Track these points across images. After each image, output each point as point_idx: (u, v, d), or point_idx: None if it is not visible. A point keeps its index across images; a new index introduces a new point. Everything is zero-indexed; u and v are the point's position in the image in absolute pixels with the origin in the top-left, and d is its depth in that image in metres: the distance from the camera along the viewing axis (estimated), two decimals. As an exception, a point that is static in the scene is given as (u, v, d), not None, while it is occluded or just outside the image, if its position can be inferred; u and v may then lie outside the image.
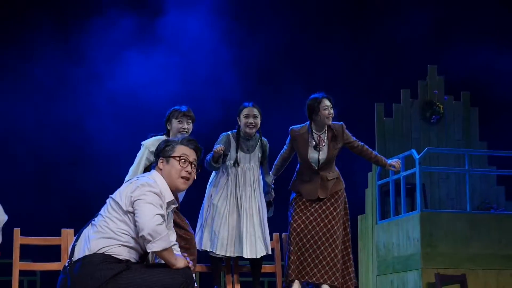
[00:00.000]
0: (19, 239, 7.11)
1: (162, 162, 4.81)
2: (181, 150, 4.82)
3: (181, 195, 6.86)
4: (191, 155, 4.83)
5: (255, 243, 7.64)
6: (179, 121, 7.01)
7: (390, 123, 11.72)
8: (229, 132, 7.80)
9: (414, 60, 12.23)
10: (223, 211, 7.70)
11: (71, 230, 7.26)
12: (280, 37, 11.65)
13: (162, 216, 4.69)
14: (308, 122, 7.88)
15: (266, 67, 11.39)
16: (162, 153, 4.84)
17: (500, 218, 9.71)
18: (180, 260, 4.69)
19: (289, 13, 11.73)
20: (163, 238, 4.57)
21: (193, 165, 4.86)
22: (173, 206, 4.95)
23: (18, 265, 7.25)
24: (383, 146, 11.37)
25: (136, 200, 4.55)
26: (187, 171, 4.78)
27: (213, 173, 7.97)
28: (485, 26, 11.91)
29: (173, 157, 4.78)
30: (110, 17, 11.10)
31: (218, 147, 7.42)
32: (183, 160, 4.78)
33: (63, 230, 7.36)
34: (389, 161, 8.10)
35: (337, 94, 10.98)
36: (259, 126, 7.71)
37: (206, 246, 7.62)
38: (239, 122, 7.70)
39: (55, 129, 10.14)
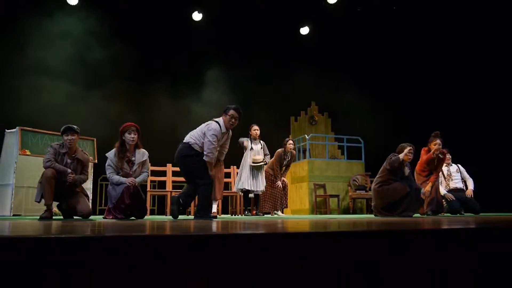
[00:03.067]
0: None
1: (224, 115, 4.86)
2: (232, 112, 4.84)
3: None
4: (235, 115, 4.84)
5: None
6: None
7: (297, 125, 11.93)
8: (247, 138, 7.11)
9: (306, 97, 12.11)
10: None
11: (170, 164, 7.35)
12: (248, 88, 11.27)
13: (215, 147, 4.76)
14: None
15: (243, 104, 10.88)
16: (224, 112, 4.85)
17: (338, 162, 9.79)
18: (212, 170, 4.82)
19: (249, 74, 11.29)
20: (210, 156, 4.72)
21: (235, 119, 4.86)
22: (226, 134, 4.93)
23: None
24: (294, 135, 11.37)
25: (206, 134, 4.74)
26: (233, 121, 4.84)
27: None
28: (338, 77, 11.65)
29: (228, 114, 4.84)
30: (186, 84, 10.97)
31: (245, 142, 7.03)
32: (231, 116, 4.83)
33: (168, 164, 7.48)
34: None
35: (275, 113, 11.18)
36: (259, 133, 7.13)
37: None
38: (250, 132, 7.14)
39: (157, 129, 9.85)
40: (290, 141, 7.47)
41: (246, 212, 7.15)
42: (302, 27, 11.74)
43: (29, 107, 8.80)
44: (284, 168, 7.48)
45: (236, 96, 10.64)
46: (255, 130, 7.18)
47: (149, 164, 4.95)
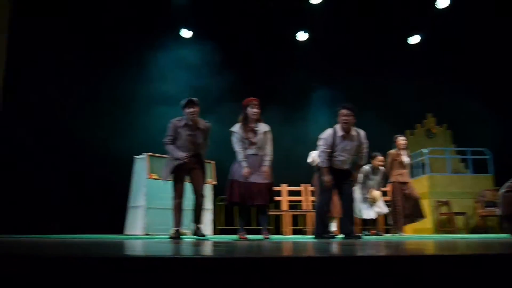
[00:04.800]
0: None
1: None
2: (340, 111, 4.84)
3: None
4: (344, 112, 4.79)
5: None
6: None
7: (412, 139, 11.43)
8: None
9: (421, 109, 11.73)
10: None
11: (285, 184, 7.38)
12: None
13: (323, 151, 4.73)
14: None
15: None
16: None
17: (462, 177, 9.27)
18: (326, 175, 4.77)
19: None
20: (320, 159, 4.83)
21: (345, 116, 4.74)
22: (348, 135, 4.81)
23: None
24: (410, 150, 11.00)
25: None
26: (343, 119, 4.75)
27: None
28: (457, 84, 10.95)
29: (339, 114, 4.83)
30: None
31: None
32: (341, 114, 4.79)
33: (282, 184, 7.57)
34: None
35: (388, 127, 10.78)
36: None
37: None
38: (372, 162, 7.01)
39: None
40: (401, 137, 7.08)
41: (366, 232, 7.00)
42: (411, 36, 11.36)
43: (153, 134, 9.62)
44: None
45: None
46: (379, 161, 6.97)
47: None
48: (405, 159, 6.98)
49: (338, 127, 4.83)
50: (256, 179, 4.60)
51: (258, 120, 4.80)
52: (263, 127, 4.79)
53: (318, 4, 10.11)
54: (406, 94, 11.19)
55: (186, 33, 10.75)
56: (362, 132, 4.96)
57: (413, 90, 11.15)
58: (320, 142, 4.82)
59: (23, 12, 6.99)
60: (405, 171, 6.93)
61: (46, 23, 8.00)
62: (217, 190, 7.87)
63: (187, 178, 5.00)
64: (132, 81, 10.02)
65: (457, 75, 11.02)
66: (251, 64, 10.70)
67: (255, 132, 4.73)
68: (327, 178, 4.75)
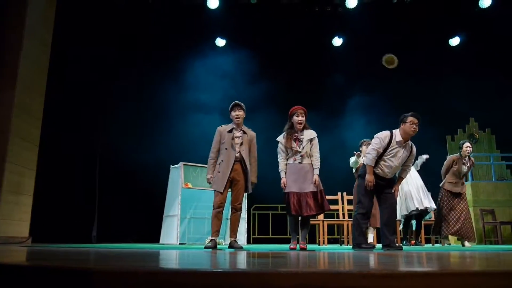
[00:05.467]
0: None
1: (402, 124, 4.67)
2: (410, 118, 4.66)
3: None
4: (414, 120, 4.66)
5: None
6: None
7: (454, 145, 11.10)
8: None
9: (463, 113, 11.26)
10: None
11: None
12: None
13: (374, 149, 4.62)
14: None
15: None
16: (402, 121, 4.70)
17: (508, 184, 8.90)
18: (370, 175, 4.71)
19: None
20: (368, 157, 4.70)
21: (416, 125, 4.62)
22: (403, 146, 4.68)
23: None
24: (452, 153, 10.75)
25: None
26: (414, 127, 4.61)
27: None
28: (501, 86, 10.57)
29: (408, 121, 4.65)
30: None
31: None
32: (411, 122, 4.64)
33: None
34: None
35: (428, 133, 10.44)
36: None
37: None
38: None
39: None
40: (466, 143, 6.72)
41: (405, 242, 6.81)
42: (452, 37, 11.04)
43: (189, 142, 9.71)
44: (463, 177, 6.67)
45: (383, 121, 10.36)
46: None
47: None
48: (464, 168, 6.64)
49: (397, 132, 4.68)
50: (303, 188, 4.51)
51: (304, 128, 4.74)
52: (308, 135, 4.70)
53: (354, 8, 9.98)
54: (446, 98, 10.89)
55: (221, 42, 10.87)
56: (414, 147, 4.84)
57: (454, 93, 10.83)
58: (375, 141, 4.68)
59: (62, 15, 7.12)
60: (459, 181, 6.59)
61: (84, 28, 8.13)
62: (250, 199, 7.85)
63: (229, 188, 4.98)
64: (168, 90, 10.18)
65: (500, 77, 10.64)
66: (286, 72, 10.68)
67: (300, 140, 4.68)
68: (370, 177, 4.63)
